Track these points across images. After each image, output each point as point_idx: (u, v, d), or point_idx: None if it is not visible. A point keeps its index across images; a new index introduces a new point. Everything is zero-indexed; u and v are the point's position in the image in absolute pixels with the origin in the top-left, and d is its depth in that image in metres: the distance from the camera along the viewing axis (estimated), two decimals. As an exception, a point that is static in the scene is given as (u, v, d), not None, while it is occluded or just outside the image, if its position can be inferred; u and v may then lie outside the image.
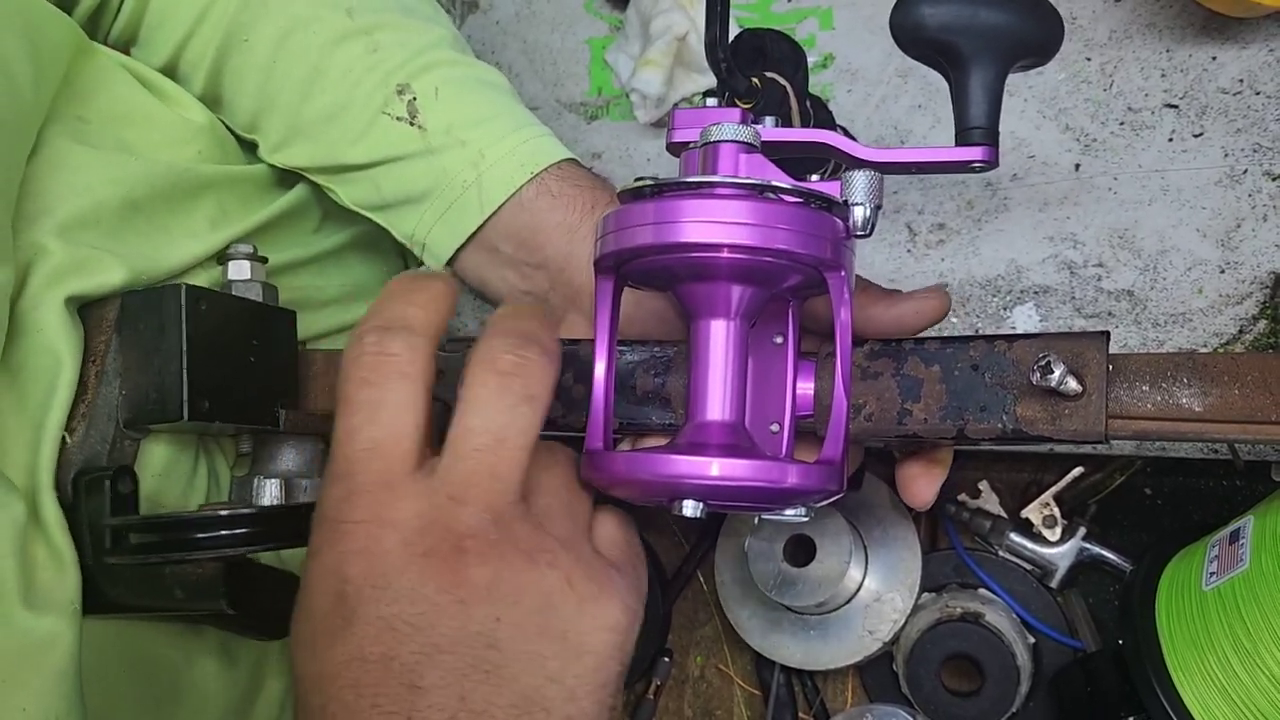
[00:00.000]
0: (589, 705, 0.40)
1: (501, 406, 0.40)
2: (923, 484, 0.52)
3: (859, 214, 0.45)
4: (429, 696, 0.38)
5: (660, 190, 0.44)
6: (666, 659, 0.77)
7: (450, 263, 0.62)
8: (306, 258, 0.65)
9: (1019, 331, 0.64)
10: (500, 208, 0.59)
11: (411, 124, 0.59)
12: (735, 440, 0.46)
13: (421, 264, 0.78)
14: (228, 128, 0.64)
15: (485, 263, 0.61)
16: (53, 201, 0.52)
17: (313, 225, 0.67)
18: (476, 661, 0.38)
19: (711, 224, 0.42)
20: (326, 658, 0.39)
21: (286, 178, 0.65)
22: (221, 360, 0.53)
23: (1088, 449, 0.70)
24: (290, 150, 0.62)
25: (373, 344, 0.40)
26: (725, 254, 0.42)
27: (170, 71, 0.62)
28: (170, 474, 0.56)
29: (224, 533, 0.47)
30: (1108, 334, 0.46)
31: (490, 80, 0.63)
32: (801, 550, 0.70)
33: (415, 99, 0.59)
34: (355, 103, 0.60)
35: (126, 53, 0.63)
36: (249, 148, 0.65)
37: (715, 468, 0.42)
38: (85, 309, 0.53)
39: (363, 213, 0.63)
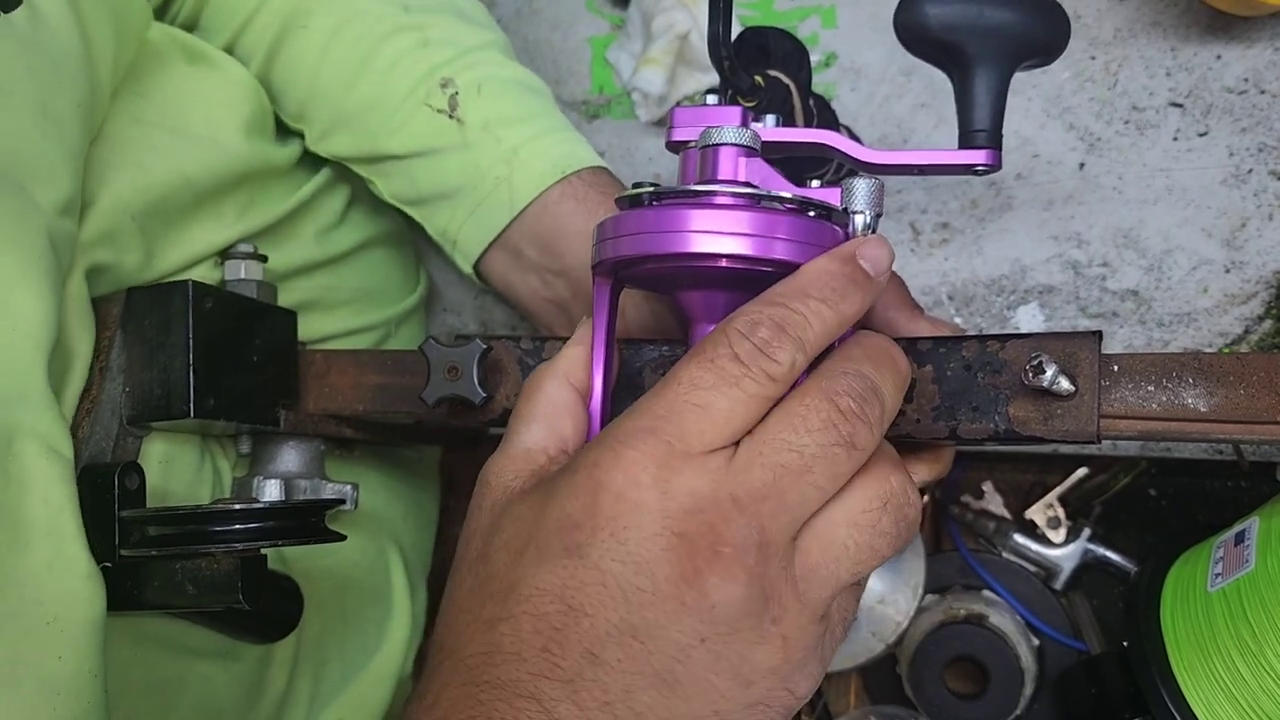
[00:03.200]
0: None
1: (822, 440, 0.37)
2: None
3: (859, 222, 0.44)
4: (599, 672, 0.35)
5: (658, 198, 0.44)
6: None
7: (478, 263, 0.62)
8: (322, 259, 0.65)
9: (1020, 331, 0.64)
10: (527, 208, 0.59)
11: (450, 117, 0.60)
12: None
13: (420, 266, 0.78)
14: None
15: (511, 266, 0.62)
16: (112, 181, 0.52)
17: (333, 219, 0.67)
18: (660, 667, 0.36)
19: (709, 234, 0.41)
20: (529, 573, 0.37)
21: (313, 166, 0.66)
22: (225, 358, 0.54)
23: (1091, 449, 0.70)
24: (333, 139, 0.63)
25: (763, 338, 0.37)
26: (723, 264, 0.42)
27: (229, 52, 0.63)
28: (174, 470, 0.56)
29: (239, 526, 0.46)
30: (1100, 334, 0.46)
31: (533, 85, 0.63)
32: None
33: (457, 93, 0.60)
34: (399, 92, 0.60)
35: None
36: (283, 131, 0.66)
37: None
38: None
39: (400, 207, 0.64)
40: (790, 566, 0.37)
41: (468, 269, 0.63)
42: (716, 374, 0.37)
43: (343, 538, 0.51)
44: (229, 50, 0.63)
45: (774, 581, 0.37)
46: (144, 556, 0.48)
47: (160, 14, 0.63)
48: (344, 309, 0.67)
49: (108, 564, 0.47)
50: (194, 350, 0.51)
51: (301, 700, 0.62)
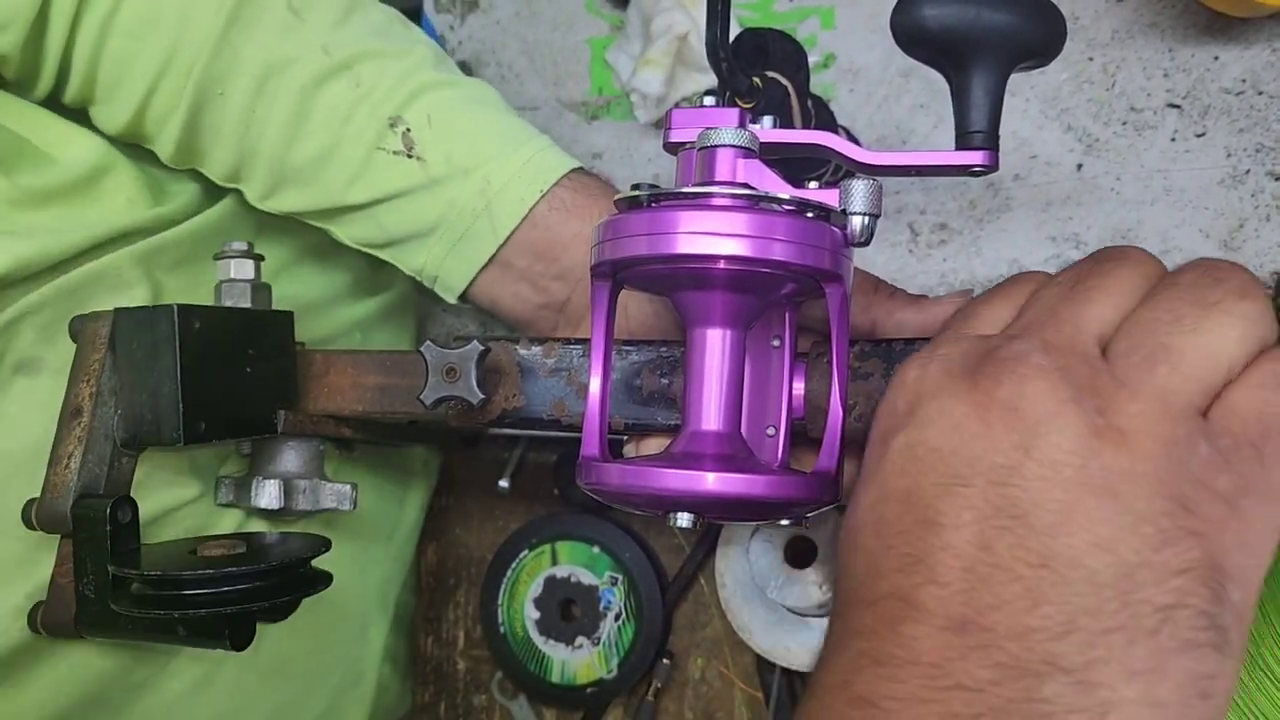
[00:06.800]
0: (1160, 594, 0.31)
1: (1125, 289, 0.36)
2: None
3: (857, 223, 0.44)
4: (945, 535, 0.33)
5: (657, 199, 0.44)
6: (667, 661, 0.77)
7: (464, 291, 0.61)
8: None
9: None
10: (513, 232, 0.58)
11: (409, 156, 0.58)
12: (730, 450, 0.46)
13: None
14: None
15: (497, 280, 0.60)
16: None
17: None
18: (998, 503, 0.32)
19: (707, 236, 0.41)
20: (858, 505, 0.37)
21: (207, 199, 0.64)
22: (218, 376, 0.52)
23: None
24: (280, 197, 0.61)
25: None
26: (721, 265, 0.42)
27: (137, 127, 0.60)
28: (173, 483, 0.55)
29: (226, 589, 0.47)
30: None
31: (479, 96, 0.61)
32: (803, 551, 0.70)
33: (409, 130, 0.58)
34: (346, 141, 0.58)
35: (86, 111, 0.60)
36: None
37: (709, 481, 0.42)
38: (77, 322, 0.53)
39: (367, 251, 0.62)
40: (1102, 362, 0.34)
41: (453, 300, 0.62)
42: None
43: (327, 583, 0.51)
44: (137, 124, 0.59)
45: (1082, 373, 0.34)
46: (130, 615, 0.48)
47: (33, 85, 0.59)
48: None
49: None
50: (183, 375, 0.50)
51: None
